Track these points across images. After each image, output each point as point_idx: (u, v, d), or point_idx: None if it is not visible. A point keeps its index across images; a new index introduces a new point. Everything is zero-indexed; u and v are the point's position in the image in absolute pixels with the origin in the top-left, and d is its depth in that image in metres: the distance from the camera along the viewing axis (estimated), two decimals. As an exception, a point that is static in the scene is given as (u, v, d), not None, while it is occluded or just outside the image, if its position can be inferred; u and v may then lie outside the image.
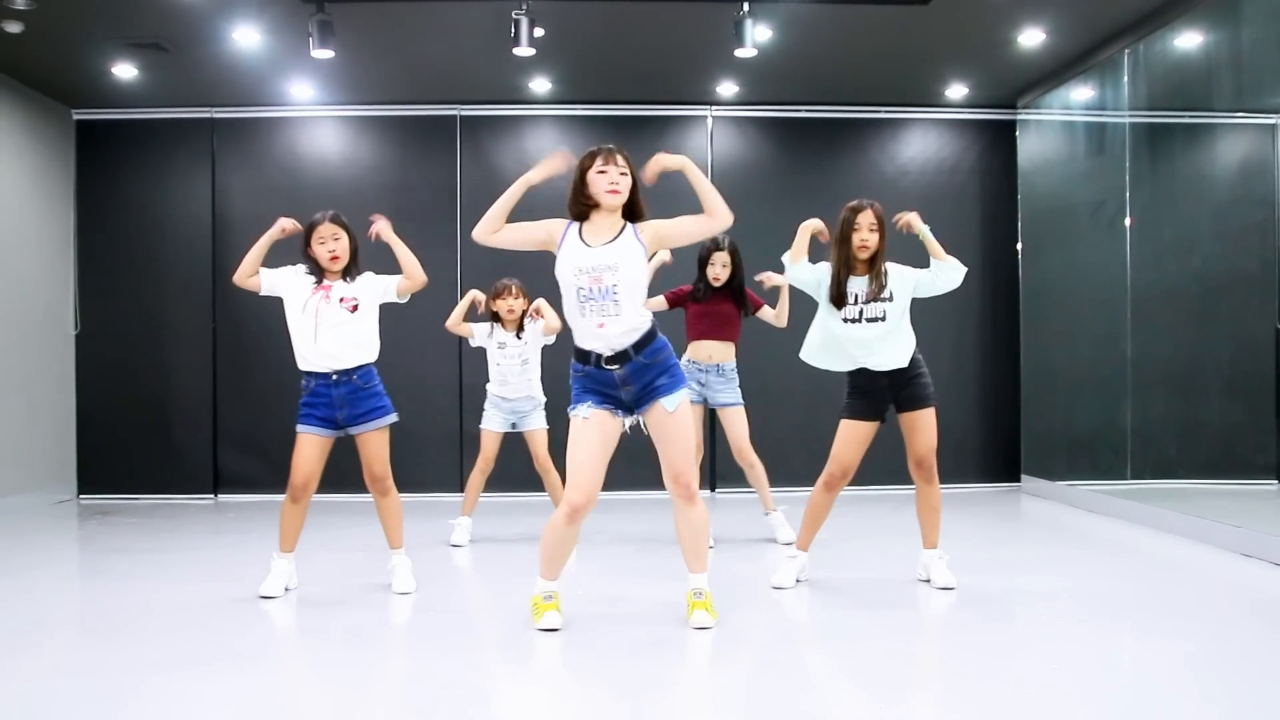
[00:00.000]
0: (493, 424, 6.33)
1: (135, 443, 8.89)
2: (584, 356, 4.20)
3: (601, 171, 4.18)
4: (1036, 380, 8.81)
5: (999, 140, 9.19)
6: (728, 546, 6.25)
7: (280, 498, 4.97)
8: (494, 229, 4.26)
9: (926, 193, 9.06)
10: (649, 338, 4.18)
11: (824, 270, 4.98)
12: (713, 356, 6.11)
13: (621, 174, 4.19)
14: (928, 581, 5.07)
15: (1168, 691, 3.51)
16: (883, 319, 4.86)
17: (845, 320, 4.88)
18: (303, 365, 4.86)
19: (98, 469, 8.93)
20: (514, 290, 6.24)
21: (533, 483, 6.84)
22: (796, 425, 8.48)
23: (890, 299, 4.87)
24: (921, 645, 4.25)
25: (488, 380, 6.41)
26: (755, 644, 4.18)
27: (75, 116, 9.00)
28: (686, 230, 4.30)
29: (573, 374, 4.25)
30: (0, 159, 8.06)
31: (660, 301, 6.08)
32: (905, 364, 4.91)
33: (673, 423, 4.18)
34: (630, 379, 4.15)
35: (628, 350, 4.13)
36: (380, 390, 4.95)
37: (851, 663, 3.89)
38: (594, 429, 4.17)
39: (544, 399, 6.38)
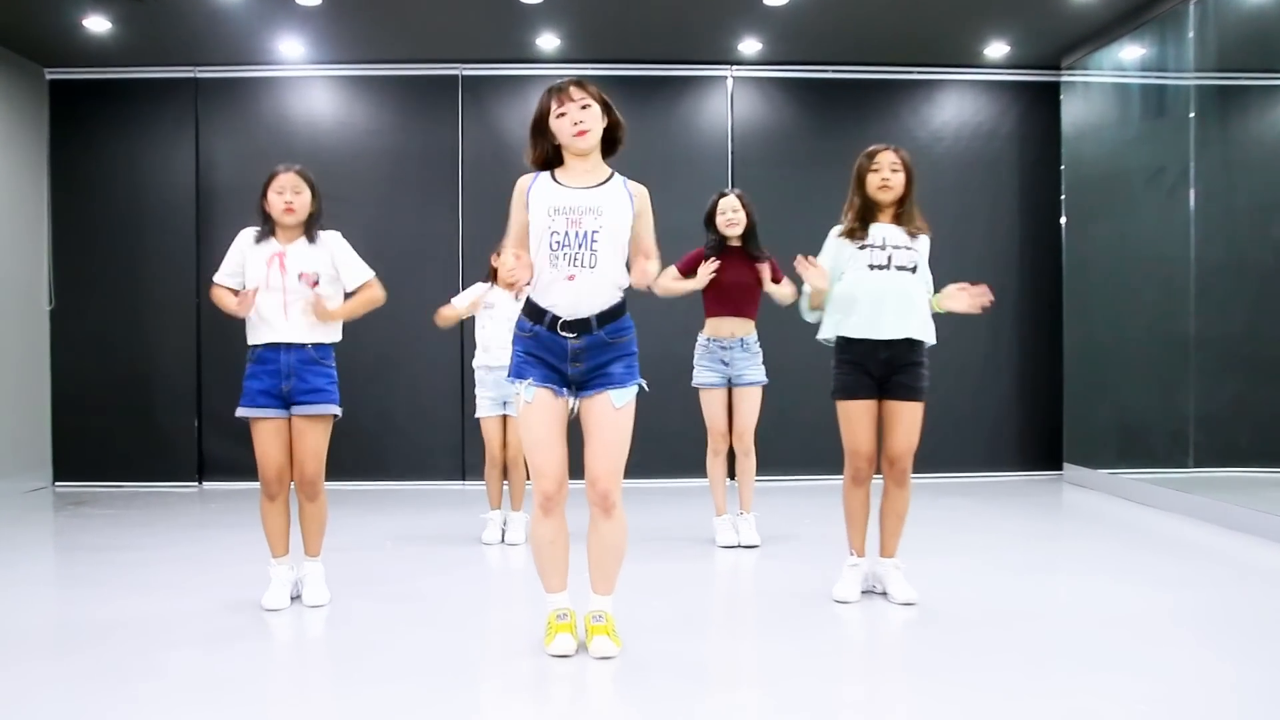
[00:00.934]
0: (486, 408, 5.85)
1: (114, 426, 8.34)
2: (538, 314, 3.57)
3: (560, 114, 3.50)
4: (1081, 361, 8.21)
5: (1041, 103, 8.55)
6: (774, 544, 5.65)
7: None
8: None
9: (962, 160, 8.47)
10: (617, 311, 3.58)
11: (835, 237, 4.46)
12: (735, 331, 5.59)
13: (584, 108, 3.50)
14: (884, 595, 4.43)
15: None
16: (913, 270, 4.30)
17: (871, 266, 4.27)
18: (254, 338, 4.33)
19: (74, 455, 8.38)
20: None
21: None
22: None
23: (915, 270, 4.33)
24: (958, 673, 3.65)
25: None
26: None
27: (48, 76, 8.40)
28: (644, 241, 3.66)
29: (517, 333, 3.63)
30: (-35, 120, 7.45)
31: (672, 273, 5.55)
32: (917, 337, 4.30)
33: (614, 420, 3.57)
34: (583, 354, 3.55)
35: (590, 320, 3.52)
36: (334, 374, 4.41)
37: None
38: (542, 410, 3.56)
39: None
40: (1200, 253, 6.61)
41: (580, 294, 3.50)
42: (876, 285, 4.26)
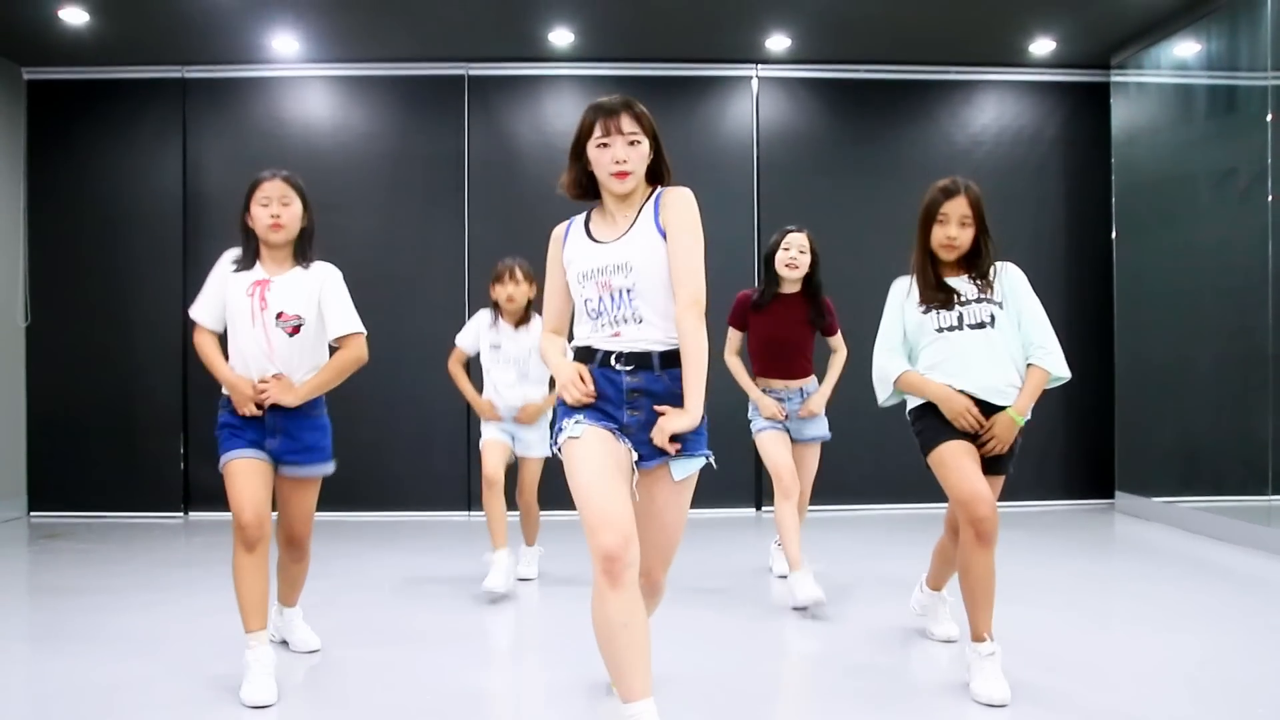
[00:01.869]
0: (490, 432, 5.19)
1: (94, 452, 7.78)
2: (587, 355, 3.00)
3: (603, 144, 2.96)
4: (1134, 383, 7.62)
5: (1088, 105, 7.99)
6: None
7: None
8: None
9: (1003, 166, 7.93)
10: (676, 359, 2.94)
11: (900, 293, 3.78)
12: (789, 385, 5.05)
13: (631, 143, 2.95)
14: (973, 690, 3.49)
15: None
16: (990, 324, 3.57)
17: (940, 330, 3.62)
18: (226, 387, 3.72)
19: (51, 483, 7.82)
20: (516, 273, 5.10)
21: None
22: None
23: (1000, 304, 3.61)
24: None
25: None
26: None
27: (25, 75, 7.87)
28: (676, 261, 2.93)
29: None
30: (-67, 122, 6.91)
31: (736, 341, 5.13)
32: (1007, 403, 3.57)
33: (671, 498, 2.98)
34: (641, 400, 2.93)
35: (651, 355, 2.93)
36: (328, 426, 3.80)
37: None
38: (595, 445, 2.89)
39: (547, 415, 5.20)
40: (1278, 261, 6.04)
41: (634, 338, 2.95)
42: (951, 349, 3.59)
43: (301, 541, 3.86)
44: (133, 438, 7.78)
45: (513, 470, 5.21)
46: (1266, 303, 6.09)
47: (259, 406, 3.61)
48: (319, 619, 4.27)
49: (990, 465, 3.58)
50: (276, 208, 3.66)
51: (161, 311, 7.73)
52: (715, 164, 7.75)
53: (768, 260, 5.04)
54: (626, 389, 2.93)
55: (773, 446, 4.93)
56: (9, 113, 7.76)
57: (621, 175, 2.95)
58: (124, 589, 5.30)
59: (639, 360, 2.92)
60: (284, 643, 4.08)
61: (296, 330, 3.65)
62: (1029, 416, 3.54)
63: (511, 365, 5.15)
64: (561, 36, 7.36)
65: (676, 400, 2.89)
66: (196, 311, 3.79)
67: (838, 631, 4.39)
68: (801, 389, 5.05)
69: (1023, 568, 5.61)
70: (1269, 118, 6.08)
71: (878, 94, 7.97)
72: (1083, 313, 7.95)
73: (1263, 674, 3.71)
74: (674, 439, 2.88)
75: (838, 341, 5.18)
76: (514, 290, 5.08)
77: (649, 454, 2.93)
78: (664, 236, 2.94)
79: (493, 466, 5.06)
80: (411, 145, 7.81)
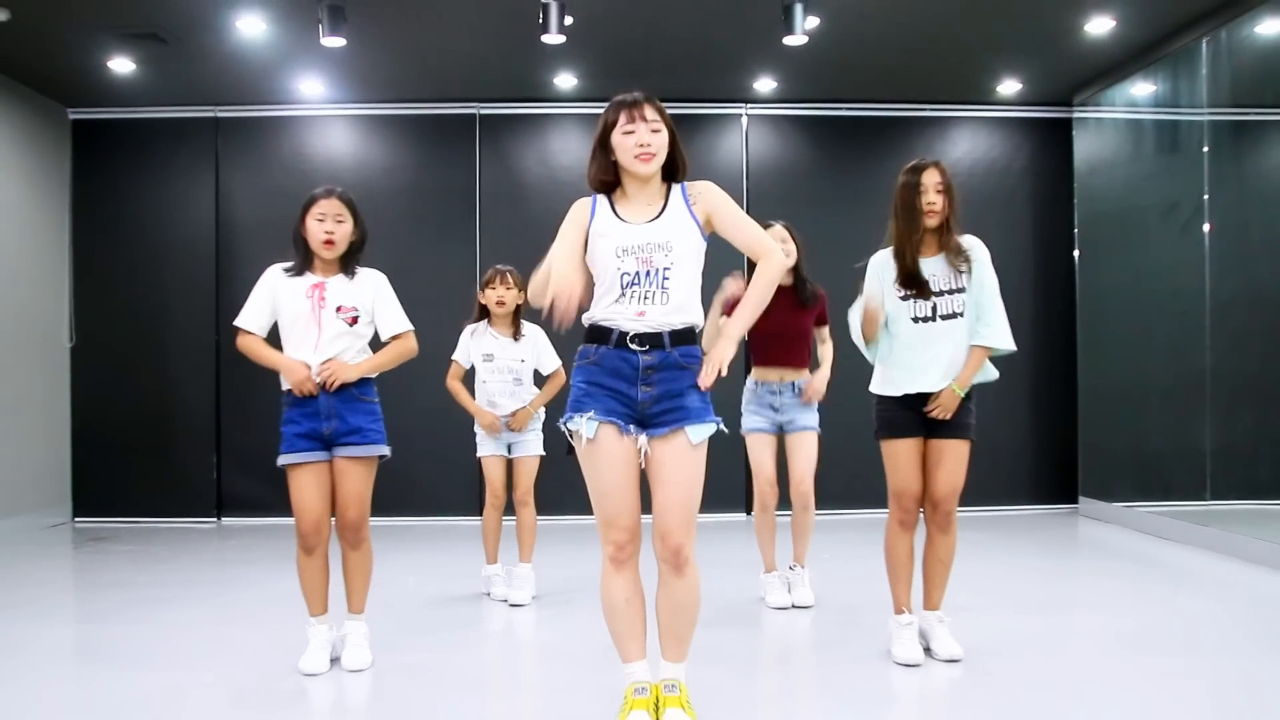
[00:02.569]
0: (487, 447, 5.39)
1: (134, 462, 8.39)
2: (602, 335, 3.26)
3: (628, 132, 3.24)
4: (1095, 395, 8.23)
5: (1053, 140, 8.63)
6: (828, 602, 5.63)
7: (289, 521, 4.07)
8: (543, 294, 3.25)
9: (976, 196, 8.48)
10: (689, 335, 3.27)
11: (879, 270, 4.16)
12: (784, 376, 5.16)
13: (654, 131, 3.24)
14: (927, 651, 4.14)
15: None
16: (960, 315, 4.02)
17: (915, 320, 4.05)
18: (285, 381, 4.06)
19: (94, 490, 8.43)
20: (507, 278, 5.28)
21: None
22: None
23: (965, 288, 4.03)
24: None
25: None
26: None
27: (71, 116, 8.52)
28: (743, 234, 3.33)
29: (577, 361, 3.31)
30: (-10, 160, 7.55)
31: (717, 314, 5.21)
32: (988, 378, 4.13)
33: (688, 461, 3.23)
34: (655, 375, 3.21)
35: (662, 335, 3.22)
36: (379, 412, 4.13)
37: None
38: (608, 451, 3.22)
39: (542, 418, 5.44)
40: (1215, 286, 6.65)
41: (651, 319, 3.23)
42: (922, 341, 4.05)
43: (357, 525, 4.05)
44: (169, 448, 8.39)
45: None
46: (1204, 323, 6.70)
47: (322, 386, 3.95)
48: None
49: (950, 430, 4.05)
50: (331, 224, 4.00)
51: (195, 332, 8.36)
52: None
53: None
54: (642, 367, 3.21)
55: (756, 449, 5.14)
56: (56, 150, 8.40)
57: (646, 157, 3.22)
58: (173, 584, 5.92)
59: (652, 340, 3.21)
60: (335, 661, 4.13)
61: (355, 321, 4.02)
62: (963, 392, 4.01)
63: (506, 373, 5.31)
64: (565, 80, 7.99)
65: (684, 372, 3.22)
66: (242, 320, 4.08)
67: (833, 635, 4.98)
68: (794, 383, 5.14)
69: (990, 565, 6.19)
70: (1205, 152, 6.70)
71: (858, 130, 8.59)
72: (1048, 330, 8.55)
73: (1173, 639, 4.32)
74: (685, 406, 3.21)
75: (826, 334, 5.29)
76: (504, 294, 5.25)
77: (662, 422, 3.22)
78: (699, 226, 3.27)
79: (497, 485, 5.35)
80: (427, 178, 8.44)
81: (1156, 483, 7.44)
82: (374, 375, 4.12)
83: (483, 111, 8.46)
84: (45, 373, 8.22)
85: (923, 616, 4.20)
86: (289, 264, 4.11)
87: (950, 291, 4.05)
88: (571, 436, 3.27)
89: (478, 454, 5.44)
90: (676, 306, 3.22)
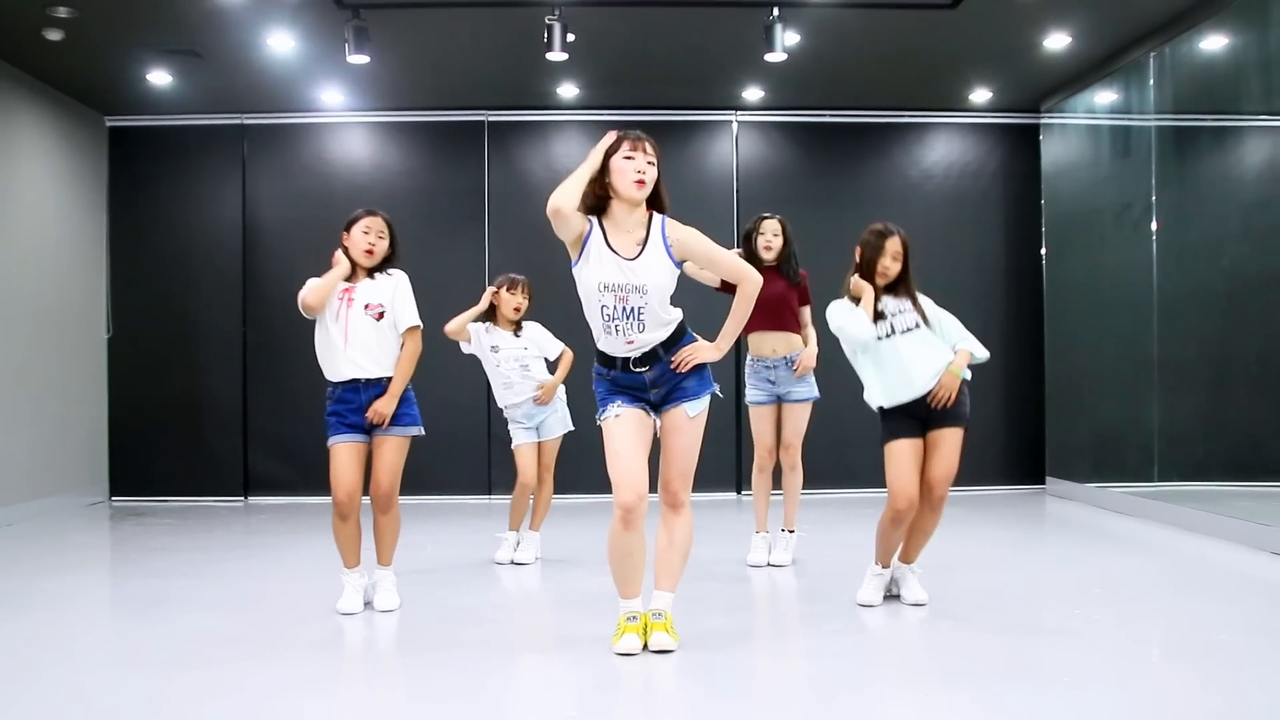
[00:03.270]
0: (520, 437, 5.93)
1: (166, 445, 8.99)
2: (609, 361, 3.94)
3: (629, 158, 3.79)
4: (1061, 383, 8.85)
5: (1022, 144, 9.23)
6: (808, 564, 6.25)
7: (311, 500, 4.75)
8: (574, 201, 3.81)
9: (950, 197, 9.12)
10: (678, 335, 3.91)
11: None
12: (777, 350, 5.62)
13: (649, 163, 3.82)
14: (897, 597, 4.76)
15: (1198, 677, 3.56)
16: (916, 328, 4.58)
17: (879, 338, 4.58)
18: (329, 375, 4.64)
19: (129, 471, 9.04)
20: (528, 289, 5.88)
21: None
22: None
23: (918, 327, 4.60)
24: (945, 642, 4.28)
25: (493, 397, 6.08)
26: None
27: (108, 123, 9.12)
28: (717, 262, 4.02)
29: (596, 378, 4.00)
30: (35, 165, 8.16)
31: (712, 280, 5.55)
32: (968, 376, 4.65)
33: (688, 428, 3.93)
34: (660, 380, 3.90)
35: (656, 350, 3.87)
36: (412, 399, 4.73)
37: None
38: (628, 424, 3.89)
39: (560, 396, 5.99)
40: (1162, 281, 7.25)
41: (641, 343, 3.84)
42: (893, 352, 4.54)
43: (388, 495, 4.61)
44: (199, 432, 9.00)
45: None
46: (1152, 316, 7.30)
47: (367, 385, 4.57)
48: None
49: (948, 420, 4.54)
50: (374, 238, 4.63)
51: (224, 325, 8.97)
52: (700, 196, 8.93)
53: (746, 239, 5.70)
54: (649, 383, 3.91)
55: (757, 420, 5.71)
56: (94, 155, 9.02)
57: (640, 184, 3.77)
58: (212, 548, 6.55)
59: (650, 358, 3.87)
60: (368, 605, 4.73)
61: (381, 316, 4.59)
62: (969, 374, 4.60)
63: (514, 362, 5.83)
64: (568, 90, 8.60)
65: (676, 373, 3.88)
66: (303, 291, 4.61)
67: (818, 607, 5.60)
68: (787, 357, 5.58)
69: (961, 541, 6.74)
70: (1153, 155, 7.30)
71: (842, 135, 9.19)
72: (1018, 321, 9.15)
73: (1109, 589, 4.95)
74: (684, 388, 3.90)
75: (808, 317, 5.69)
76: (521, 302, 5.82)
77: (668, 403, 3.92)
78: (674, 261, 3.83)
79: (529, 474, 5.86)
80: (439, 181, 9.05)
81: (1113, 463, 8.04)
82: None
83: (491, 119, 9.05)
84: (84, 362, 8.84)
85: (897, 567, 4.78)
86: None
87: (901, 312, 4.61)
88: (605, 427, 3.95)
89: (513, 445, 5.94)
90: (654, 327, 3.84)
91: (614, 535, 3.88)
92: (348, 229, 4.68)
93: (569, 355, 5.98)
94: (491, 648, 4.07)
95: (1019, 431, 9.19)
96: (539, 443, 5.94)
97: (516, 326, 5.94)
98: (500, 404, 5.99)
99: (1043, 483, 9.09)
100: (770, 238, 5.65)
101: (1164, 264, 7.25)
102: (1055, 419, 8.92)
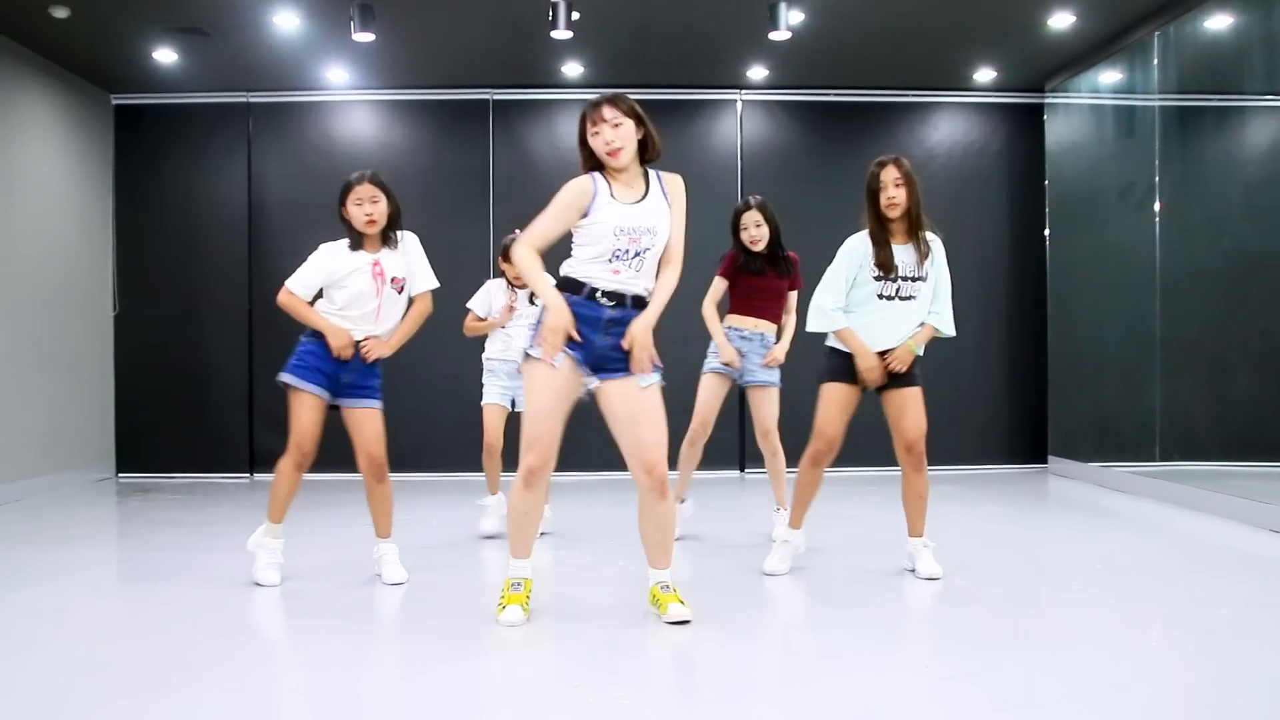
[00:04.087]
0: (492, 395, 5.85)
1: (172, 422, 9.05)
2: (574, 286, 3.82)
3: (594, 134, 3.81)
4: (1064, 362, 8.87)
5: (1026, 124, 9.24)
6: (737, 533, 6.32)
7: (317, 477, 4.68)
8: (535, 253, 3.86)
9: (954, 176, 9.13)
10: (646, 301, 3.90)
11: (855, 255, 4.68)
12: (757, 326, 5.59)
13: (615, 127, 3.77)
14: (913, 571, 4.80)
15: (1196, 647, 3.60)
16: (915, 298, 4.63)
17: (880, 296, 4.60)
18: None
19: (135, 448, 9.10)
20: None
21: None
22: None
23: (925, 278, 4.63)
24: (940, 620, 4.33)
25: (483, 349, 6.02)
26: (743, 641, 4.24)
27: (114, 101, 9.15)
28: (675, 235, 3.93)
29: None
30: (41, 143, 8.18)
31: (718, 292, 5.61)
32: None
33: (645, 401, 3.83)
34: (616, 329, 3.80)
35: (627, 298, 3.82)
36: (381, 373, 4.72)
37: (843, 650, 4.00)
38: (559, 379, 3.79)
39: None
40: (1164, 261, 7.27)
41: (620, 283, 3.79)
42: (879, 314, 4.60)
43: (380, 460, 4.63)
44: (205, 410, 9.06)
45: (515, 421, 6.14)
46: (1155, 295, 7.33)
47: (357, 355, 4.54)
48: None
49: (901, 380, 4.63)
50: (369, 206, 4.51)
51: (230, 302, 9.01)
52: (705, 176, 8.92)
53: (734, 233, 5.59)
54: (606, 319, 3.78)
55: (705, 389, 5.59)
56: (100, 133, 9.05)
57: (613, 154, 3.77)
58: (220, 521, 6.61)
59: (619, 299, 3.78)
60: (378, 576, 4.76)
61: (403, 288, 4.64)
62: (921, 351, 4.67)
63: (524, 320, 5.72)
64: (573, 68, 8.61)
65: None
66: (293, 284, 4.60)
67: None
68: (763, 335, 5.55)
69: (964, 519, 6.82)
70: (1156, 135, 7.31)
71: (846, 115, 9.20)
72: (1021, 301, 9.18)
73: (1110, 564, 4.99)
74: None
75: (793, 305, 5.66)
76: None
77: (616, 368, 3.83)
78: (669, 208, 3.86)
79: (494, 435, 5.77)
80: (443, 160, 9.07)
81: (1114, 443, 8.08)
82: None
83: (495, 97, 9.07)
84: (91, 339, 8.88)
85: (910, 543, 4.83)
86: (338, 242, 4.63)
87: (913, 279, 4.65)
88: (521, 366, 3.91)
89: (483, 401, 5.89)
90: (645, 274, 3.83)
91: (515, 493, 3.90)
92: (343, 204, 4.61)
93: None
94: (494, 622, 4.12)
95: (1021, 410, 9.23)
96: (514, 413, 5.76)
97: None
98: (488, 356, 5.91)
99: (1045, 462, 9.13)
100: (754, 230, 5.52)
101: (1167, 243, 7.27)
102: (1057, 398, 8.95)
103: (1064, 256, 8.91)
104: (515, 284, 5.95)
